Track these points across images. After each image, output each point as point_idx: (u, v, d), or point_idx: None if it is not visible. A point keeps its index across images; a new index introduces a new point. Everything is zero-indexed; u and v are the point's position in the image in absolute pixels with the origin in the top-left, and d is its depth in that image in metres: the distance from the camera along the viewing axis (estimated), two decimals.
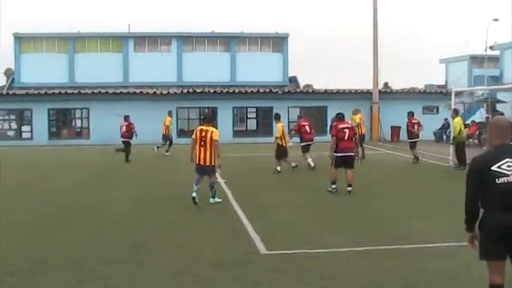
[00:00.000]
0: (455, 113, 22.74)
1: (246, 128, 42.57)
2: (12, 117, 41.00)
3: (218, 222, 12.26)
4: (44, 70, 54.29)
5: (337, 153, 15.79)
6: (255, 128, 41.44)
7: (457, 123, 22.01)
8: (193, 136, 14.14)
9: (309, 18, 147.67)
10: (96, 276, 8.29)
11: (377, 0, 39.73)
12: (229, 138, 36.53)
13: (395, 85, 55.54)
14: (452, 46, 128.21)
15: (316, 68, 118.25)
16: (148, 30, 59.08)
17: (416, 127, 24.38)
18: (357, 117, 26.59)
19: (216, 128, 14.78)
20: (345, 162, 15.76)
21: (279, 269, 8.59)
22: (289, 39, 59.94)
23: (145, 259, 9.18)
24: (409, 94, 42.13)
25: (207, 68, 55.50)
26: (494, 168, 5.64)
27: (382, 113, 38.75)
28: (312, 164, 21.50)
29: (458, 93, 30.55)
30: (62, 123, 41.34)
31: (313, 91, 43.96)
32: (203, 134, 13.92)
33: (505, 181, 5.60)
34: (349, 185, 15.72)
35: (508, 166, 5.64)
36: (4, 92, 44.49)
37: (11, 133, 40.70)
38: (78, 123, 41.42)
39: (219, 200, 14.38)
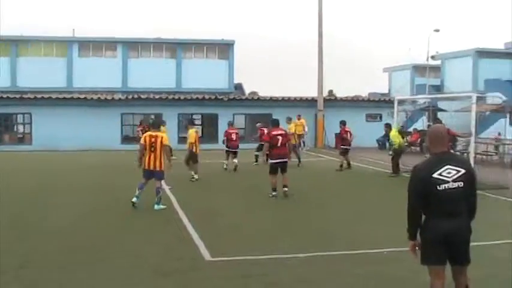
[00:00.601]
0: (388, 127, 23.38)
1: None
2: None
3: (162, 228, 12.19)
4: None
5: (272, 159, 16.19)
6: (200, 134, 41.31)
7: (394, 136, 22.49)
8: (142, 142, 14.26)
9: (255, 26, 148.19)
10: (29, 281, 8.20)
11: (322, 8, 40.13)
12: (175, 145, 36.32)
13: (340, 93, 55.97)
14: (395, 55, 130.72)
15: (262, 75, 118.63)
16: (94, 35, 58.33)
17: (348, 135, 24.79)
18: (292, 126, 28.31)
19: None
20: (280, 168, 16.24)
21: (223, 276, 8.61)
22: (235, 46, 60.06)
23: (87, 265, 9.08)
24: (353, 102, 42.57)
25: (152, 74, 55.09)
26: (435, 175, 5.80)
27: (327, 121, 39.11)
28: (226, 167, 23.25)
29: (401, 102, 31.08)
30: (3, 128, 40.43)
31: (258, 98, 44.01)
32: (152, 139, 14.10)
33: (446, 187, 5.77)
34: (285, 186, 16.28)
35: (448, 173, 5.81)
36: None
37: None
38: (21, 128, 40.57)
39: (164, 206, 14.34)
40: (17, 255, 9.68)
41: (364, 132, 37.46)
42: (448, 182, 5.79)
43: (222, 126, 28.69)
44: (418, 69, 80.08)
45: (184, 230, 11.92)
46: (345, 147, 24.76)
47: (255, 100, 42.57)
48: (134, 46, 58.56)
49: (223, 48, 59.95)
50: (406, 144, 26.66)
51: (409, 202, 5.95)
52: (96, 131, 33.76)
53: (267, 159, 20.53)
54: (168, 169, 14.40)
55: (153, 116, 31.88)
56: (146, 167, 14.16)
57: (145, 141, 14.16)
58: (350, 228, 12.21)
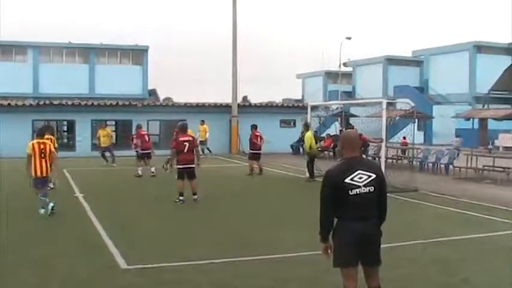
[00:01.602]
0: (306, 127, 23.63)
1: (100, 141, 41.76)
2: None
3: (75, 237, 11.92)
4: None
5: (178, 165, 16.34)
6: (114, 141, 40.79)
7: (308, 138, 22.79)
8: (29, 151, 14.06)
9: (171, 31, 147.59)
10: None
11: (236, 14, 40.34)
12: (88, 152, 35.73)
13: (254, 99, 56.56)
14: (308, 62, 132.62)
15: (176, 81, 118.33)
16: (3, 38, 56.77)
17: (259, 139, 24.99)
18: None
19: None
20: (186, 174, 16.34)
21: (139, 284, 8.54)
22: (149, 52, 59.68)
23: None
24: (267, 108, 42.98)
25: (64, 79, 54.12)
26: (347, 180, 5.92)
27: (241, 126, 39.34)
28: (140, 173, 23.13)
29: (314, 107, 31.58)
30: None
31: (172, 104, 43.86)
32: (42, 146, 14.15)
33: (357, 192, 5.91)
34: (194, 193, 16.50)
35: (360, 178, 5.95)
36: None
37: None
38: None
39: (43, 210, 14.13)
40: None
41: (278, 138, 37.89)
42: (359, 186, 5.92)
43: None
44: (331, 76, 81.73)
45: (98, 238, 11.74)
46: (254, 151, 24.94)
47: (170, 106, 42.38)
48: (46, 50, 57.40)
49: (137, 54, 59.53)
50: (319, 149, 27.10)
51: (321, 206, 6.04)
52: (5, 139, 32.76)
53: (166, 164, 20.69)
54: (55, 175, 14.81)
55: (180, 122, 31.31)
56: (39, 174, 14.07)
57: (34, 149, 14.04)
58: (266, 233, 12.32)
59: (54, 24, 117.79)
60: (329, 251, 6.12)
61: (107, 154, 29.74)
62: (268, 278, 8.80)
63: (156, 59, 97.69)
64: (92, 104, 39.50)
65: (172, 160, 16.46)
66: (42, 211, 14.14)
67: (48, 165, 14.19)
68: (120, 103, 39.70)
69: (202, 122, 35.25)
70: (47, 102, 38.72)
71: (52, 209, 14.12)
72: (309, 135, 22.84)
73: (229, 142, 39.12)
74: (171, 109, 40.71)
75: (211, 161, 30.73)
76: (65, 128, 40.63)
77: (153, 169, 23.44)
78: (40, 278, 8.80)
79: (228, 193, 19.21)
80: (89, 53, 58.26)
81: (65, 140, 40.43)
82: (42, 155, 14.07)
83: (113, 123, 39.89)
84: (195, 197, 16.44)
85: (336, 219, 6.05)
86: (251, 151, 25.13)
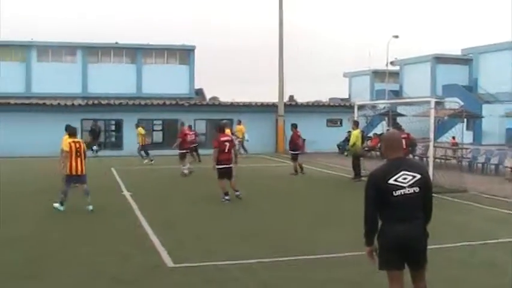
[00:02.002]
0: (356, 125, 23.40)
1: (152, 140, 42.20)
2: None
3: (123, 235, 12.08)
4: None
5: (219, 165, 16.41)
6: (161, 140, 41.12)
7: (354, 135, 22.67)
8: (67, 148, 14.62)
9: (216, 31, 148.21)
10: None
11: (282, 13, 40.27)
12: (135, 151, 36.12)
13: (301, 98, 56.39)
14: (356, 61, 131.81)
15: (222, 80, 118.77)
16: (53, 39, 57.70)
17: (300, 140, 24.85)
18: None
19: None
20: (226, 174, 16.48)
21: (186, 282, 8.58)
22: (196, 51, 59.99)
23: (43, 274, 8.96)
24: (314, 107, 42.82)
25: (112, 79, 54.82)
26: (391, 181, 5.83)
27: (287, 126, 39.28)
28: (186, 172, 23.33)
29: (361, 107, 31.28)
30: None
31: (219, 103, 44.03)
32: (77, 145, 14.75)
33: (402, 193, 5.81)
34: (236, 190, 16.63)
35: (404, 178, 5.85)
36: None
37: None
38: None
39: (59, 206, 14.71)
40: None
41: (325, 137, 37.77)
42: (404, 187, 5.83)
43: None
44: (378, 75, 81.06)
45: (145, 237, 11.83)
46: (295, 152, 24.71)
47: (216, 105, 42.55)
48: (94, 51, 58.19)
49: (184, 54, 59.88)
50: (366, 148, 26.90)
51: (365, 208, 5.98)
52: (55, 138, 33.31)
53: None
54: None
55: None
56: (74, 173, 14.63)
57: (71, 148, 14.57)
58: (311, 233, 12.27)
59: (101, 26, 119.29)
60: (374, 253, 6.05)
61: (143, 153, 30.49)
62: (313, 279, 8.74)
63: (203, 59, 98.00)
64: (139, 103, 39.96)
65: (214, 159, 16.47)
66: (59, 208, 14.70)
67: (85, 164, 14.79)
68: (167, 102, 40.04)
69: (239, 122, 35.34)
70: (96, 102, 39.31)
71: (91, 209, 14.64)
72: (356, 133, 22.66)
73: (276, 141, 39.09)
74: (217, 108, 40.90)
75: (258, 160, 30.78)
76: (113, 127, 41.12)
77: (185, 167, 23.75)
78: (89, 276, 8.91)
79: (273, 192, 19.19)
80: (136, 53, 58.84)
81: (113, 139, 40.95)
82: (78, 153, 14.64)
83: (160, 122, 40.22)
84: (238, 193, 16.61)
85: (380, 221, 5.98)
86: (292, 152, 24.88)
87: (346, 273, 8.99)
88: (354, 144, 22.46)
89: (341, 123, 41.07)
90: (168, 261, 9.72)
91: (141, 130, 30.94)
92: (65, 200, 14.70)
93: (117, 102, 39.79)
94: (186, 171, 23.32)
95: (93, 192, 14.88)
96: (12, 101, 38.31)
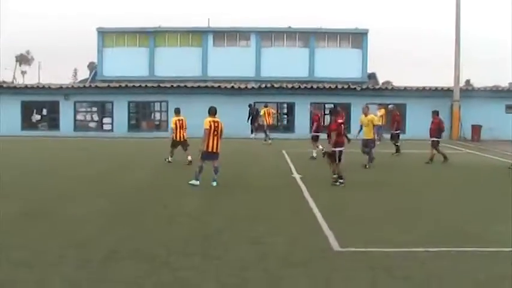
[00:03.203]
0: None
1: (324, 123, 42.30)
2: (94, 109, 41.92)
3: (292, 217, 12.16)
4: (125, 64, 55.41)
5: (335, 147, 16.44)
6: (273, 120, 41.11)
7: None
8: (207, 127, 15.75)
9: (389, 14, 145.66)
10: (166, 267, 8.34)
11: None
12: (306, 134, 36.38)
13: (478, 83, 54.13)
14: None
15: (396, 64, 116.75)
16: (227, 25, 59.36)
17: (442, 126, 23.75)
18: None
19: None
20: (338, 157, 16.45)
21: (352, 267, 8.46)
22: (369, 35, 59.29)
23: (214, 252, 9.17)
24: (492, 92, 40.78)
25: (285, 63, 55.46)
26: None
27: (463, 112, 37.93)
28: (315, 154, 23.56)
29: None
30: (141, 115, 42.04)
31: (392, 88, 43.24)
32: (216, 124, 15.91)
33: None
34: (340, 177, 16.44)
35: None
36: (87, 84, 45.70)
37: (92, 124, 41.60)
38: (157, 116, 42.04)
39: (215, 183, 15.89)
40: (161, 241, 10.08)
41: (504, 124, 36.03)
42: None
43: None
44: None
45: (313, 219, 11.82)
46: (437, 139, 23.42)
47: (389, 90, 41.87)
48: (267, 35, 59.10)
49: (357, 38, 59.33)
50: None
51: None
52: (229, 119, 34.31)
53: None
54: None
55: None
56: (210, 150, 15.87)
57: (210, 127, 15.78)
58: (479, 224, 11.67)
59: (274, 12, 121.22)
60: None
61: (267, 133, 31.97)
62: (483, 272, 8.27)
63: (376, 43, 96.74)
64: (312, 87, 40.17)
65: (329, 142, 16.53)
66: (214, 183, 15.91)
67: (220, 142, 15.97)
68: (339, 86, 39.95)
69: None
70: (268, 85, 40.01)
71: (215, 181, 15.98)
72: None
73: (450, 128, 37.85)
74: (390, 93, 40.28)
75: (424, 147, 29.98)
76: (285, 111, 41.68)
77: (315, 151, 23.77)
78: (257, 256, 9.00)
79: (445, 179, 18.61)
80: (308, 37, 59.08)
81: (285, 122, 41.53)
82: (215, 132, 15.82)
83: (332, 106, 40.23)
84: (341, 180, 16.38)
85: None
86: (435, 139, 23.39)
87: None
88: None
89: None
90: (335, 245, 9.65)
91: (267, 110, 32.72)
92: (200, 175, 15.86)
93: (289, 85, 40.26)
94: (314, 155, 23.59)
95: (265, 174, 15.14)
96: (189, 85, 39.93)
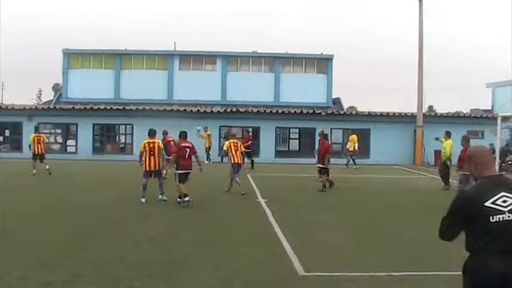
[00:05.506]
0: (448, 135, 23.66)
1: (288, 148, 42.53)
2: (59, 131, 41.58)
3: (256, 241, 12.14)
4: (91, 85, 55.00)
5: (179, 170, 17.00)
6: (297, 148, 41.41)
7: (447, 144, 23.10)
8: (141, 149, 17.87)
9: (353, 41, 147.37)
10: None
11: (422, 23, 39.53)
12: (271, 158, 36.54)
13: (440, 109, 54.82)
14: (499, 70, 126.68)
15: (360, 90, 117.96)
16: (194, 48, 59.43)
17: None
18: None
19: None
20: (186, 178, 17.05)
21: None
22: (334, 61, 59.81)
23: (178, 276, 9.14)
24: (454, 118, 41.41)
25: (250, 87, 55.60)
26: (488, 204, 4.86)
27: (426, 137, 38.41)
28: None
29: (505, 118, 30.00)
30: (106, 138, 41.78)
31: (356, 113, 43.66)
32: (151, 145, 17.65)
33: (501, 219, 4.83)
34: (185, 195, 16.76)
35: (504, 201, 4.87)
36: (51, 106, 45.29)
37: (56, 146, 41.16)
38: (122, 138, 41.81)
39: (165, 198, 17.41)
40: (124, 265, 9.97)
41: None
42: (503, 212, 4.82)
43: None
44: None
45: (278, 243, 11.84)
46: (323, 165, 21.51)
47: (353, 115, 42.25)
48: (233, 60, 59.24)
49: (322, 63, 59.77)
50: (509, 163, 25.83)
51: (446, 228, 5.34)
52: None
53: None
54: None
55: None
56: (149, 168, 17.55)
57: (145, 147, 17.67)
58: (444, 249, 11.81)
59: (240, 35, 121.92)
60: None
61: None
62: None
63: (341, 68, 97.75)
64: (277, 111, 40.35)
65: (171, 164, 18.34)
66: (160, 197, 17.60)
67: (159, 160, 17.75)
68: (304, 111, 40.20)
69: (206, 129, 36.07)
70: (234, 109, 40.10)
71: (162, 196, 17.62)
72: (447, 142, 23.11)
73: (414, 153, 38.28)
74: (354, 118, 40.64)
75: (396, 172, 30.21)
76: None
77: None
78: (222, 280, 9.00)
79: (402, 204, 18.76)
80: (274, 61, 59.37)
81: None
82: (151, 152, 17.53)
83: (297, 131, 40.46)
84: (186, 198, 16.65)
85: (469, 253, 5.16)
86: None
87: None
88: (448, 153, 22.87)
89: (482, 135, 39.56)
90: (300, 269, 9.67)
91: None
92: (145, 193, 17.18)
93: (254, 110, 40.41)
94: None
95: (230, 198, 15.12)
96: (154, 107, 39.82)
